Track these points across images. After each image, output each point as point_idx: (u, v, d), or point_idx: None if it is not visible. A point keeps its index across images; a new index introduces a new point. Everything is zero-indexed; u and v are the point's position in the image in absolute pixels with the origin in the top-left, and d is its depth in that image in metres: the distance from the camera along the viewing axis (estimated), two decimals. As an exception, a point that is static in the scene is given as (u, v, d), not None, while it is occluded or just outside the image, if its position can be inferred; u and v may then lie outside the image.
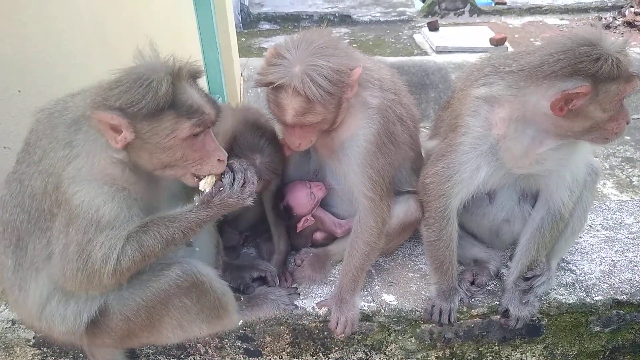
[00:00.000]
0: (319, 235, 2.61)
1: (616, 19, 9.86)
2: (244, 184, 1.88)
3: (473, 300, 2.42)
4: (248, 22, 9.97)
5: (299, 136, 2.09)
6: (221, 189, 1.85)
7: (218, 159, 1.86)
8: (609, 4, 10.46)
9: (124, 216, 1.80)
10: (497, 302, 2.41)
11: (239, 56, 7.03)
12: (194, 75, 1.82)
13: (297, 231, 2.53)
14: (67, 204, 1.75)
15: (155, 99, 1.66)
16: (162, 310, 1.96)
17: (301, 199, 2.45)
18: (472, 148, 2.13)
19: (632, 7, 9.96)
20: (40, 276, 1.89)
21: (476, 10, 10.45)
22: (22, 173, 1.87)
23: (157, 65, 1.72)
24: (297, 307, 2.37)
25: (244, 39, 9.25)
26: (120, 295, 1.93)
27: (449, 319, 2.33)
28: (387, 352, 2.47)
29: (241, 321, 2.30)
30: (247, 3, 10.43)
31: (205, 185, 1.87)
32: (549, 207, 2.29)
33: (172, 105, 1.70)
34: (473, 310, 2.41)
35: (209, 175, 1.87)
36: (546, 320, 2.45)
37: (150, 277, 1.94)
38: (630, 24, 9.54)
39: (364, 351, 2.47)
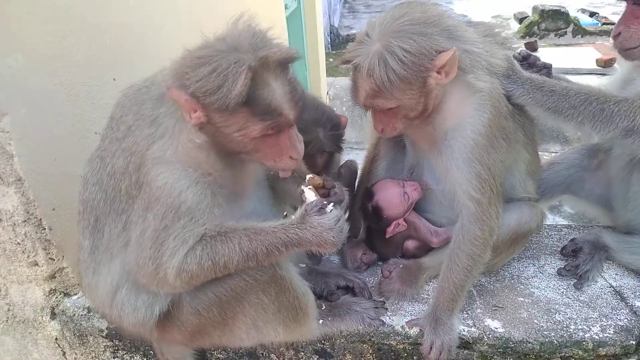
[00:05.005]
0: (411, 244, 2.32)
1: None
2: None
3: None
4: (337, 43, 10.06)
5: (380, 120, 1.96)
6: (322, 208, 1.70)
7: (290, 157, 1.74)
8: None
9: (205, 205, 1.68)
10: (633, 342, 1.95)
11: (326, 75, 7.10)
12: (284, 63, 1.61)
13: (387, 237, 2.26)
14: (148, 186, 1.66)
15: (227, 98, 1.50)
16: (236, 307, 1.79)
17: (393, 199, 2.19)
18: None
19: None
20: (113, 262, 1.81)
21: (580, 31, 9.72)
22: (104, 150, 1.82)
23: (242, 47, 1.54)
24: (384, 323, 2.09)
25: (331, 60, 9.34)
26: None
27: None
28: (487, 389, 2.09)
29: (320, 331, 2.05)
30: (336, 25, 10.58)
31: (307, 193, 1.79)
32: None
33: (247, 101, 1.53)
34: (601, 349, 1.97)
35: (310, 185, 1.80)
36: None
37: None
38: None
39: (459, 385, 2.11)
